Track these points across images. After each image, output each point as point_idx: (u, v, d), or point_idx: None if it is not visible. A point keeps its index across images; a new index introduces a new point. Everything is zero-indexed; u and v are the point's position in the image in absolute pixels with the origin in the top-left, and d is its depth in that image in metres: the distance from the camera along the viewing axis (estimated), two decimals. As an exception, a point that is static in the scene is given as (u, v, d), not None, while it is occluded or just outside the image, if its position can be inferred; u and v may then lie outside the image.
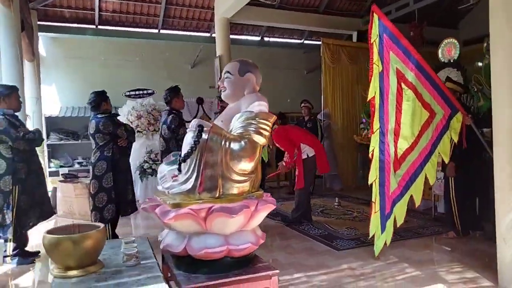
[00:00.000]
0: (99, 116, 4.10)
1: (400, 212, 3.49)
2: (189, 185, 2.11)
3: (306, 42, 10.22)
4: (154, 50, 9.22)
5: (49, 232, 2.14)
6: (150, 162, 6.72)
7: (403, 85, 3.48)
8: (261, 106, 2.29)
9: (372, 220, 3.53)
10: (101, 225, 2.20)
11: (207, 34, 9.35)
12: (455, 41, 6.14)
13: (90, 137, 4.15)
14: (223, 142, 2.12)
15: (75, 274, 2.08)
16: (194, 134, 2.12)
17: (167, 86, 4.73)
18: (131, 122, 6.61)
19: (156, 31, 8.86)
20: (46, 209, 4.04)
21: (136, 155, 6.79)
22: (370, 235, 3.57)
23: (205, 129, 2.11)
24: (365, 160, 7.45)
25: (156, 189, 2.49)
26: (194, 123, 2.16)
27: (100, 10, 8.02)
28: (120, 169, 4.13)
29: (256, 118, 2.20)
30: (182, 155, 2.15)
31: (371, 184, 3.53)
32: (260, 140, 2.20)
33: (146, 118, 6.75)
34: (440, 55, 6.27)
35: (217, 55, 8.44)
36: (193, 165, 2.11)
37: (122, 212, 4.17)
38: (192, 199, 2.11)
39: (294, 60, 10.80)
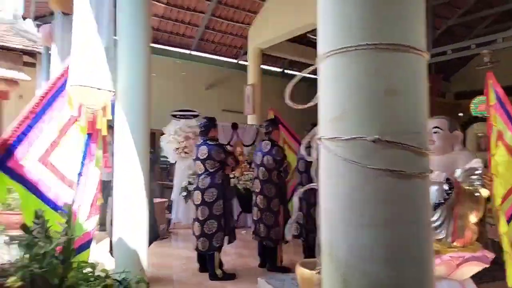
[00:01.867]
0: (210, 143, 4.13)
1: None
2: (442, 234, 2.30)
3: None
4: (170, 68, 9.26)
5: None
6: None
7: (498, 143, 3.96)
8: (479, 163, 2.57)
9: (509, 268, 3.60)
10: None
11: (234, 60, 9.52)
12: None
13: (199, 162, 4.13)
14: (468, 196, 2.36)
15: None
16: (439, 187, 2.33)
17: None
18: (179, 143, 6.54)
19: (187, 51, 8.88)
20: None
21: (180, 176, 6.69)
22: (510, 284, 3.61)
23: (452, 181, 2.34)
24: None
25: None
26: (442, 175, 2.38)
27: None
28: (228, 197, 4.16)
29: (481, 174, 2.48)
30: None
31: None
32: (485, 194, 2.47)
33: (194, 139, 6.70)
34: (473, 110, 7.02)
35: (248, 83, 8.65)
36: (444, 215, 2.31)
37: (228, 240, 4.15)
38: (444, 246, 2.30)
39: (298, 92, 11.33)
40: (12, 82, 6.88)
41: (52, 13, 6.05)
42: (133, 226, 2.83)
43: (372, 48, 0.96)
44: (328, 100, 1.07)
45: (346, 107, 1.00)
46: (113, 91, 2.76)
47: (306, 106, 1.33)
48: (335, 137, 1.01)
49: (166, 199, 6.70)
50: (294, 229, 4.58)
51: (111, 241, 3.70)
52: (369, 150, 0.95)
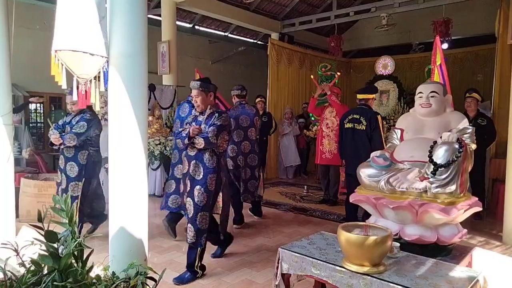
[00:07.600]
0: None
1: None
2: (453, 186, 2.60)
3: (230, 35, 10.50)
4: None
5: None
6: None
7: None
8: (467, 122, 2.94)
9: None
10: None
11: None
12: (391, 58, 7.74)
13: None
14: (469, 151, 2.70)
15: (384, 269, 2.30)
16: (448, 147, 2.60)
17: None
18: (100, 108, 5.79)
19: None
20: None
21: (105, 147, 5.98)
22: None
23: (462, 141, 2.64)
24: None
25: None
26: (453, 136, 2.64)
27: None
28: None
29: (471, 132, 2.85)
30: (442, 162, 2.61)
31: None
32: (474, 148, 2.86)
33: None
34: (378, 69, 7.79)
35: (163, 40, 7.98)
36: (455, 170, 2.61)
37: None
38: (454, 197, 2.62)
39: (202, 49, 10.95)
40: None
41: None
42: (135, 211, 2.50)
43: None
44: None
45: None
46: (107, 57, 2.28)
47: None
48: None
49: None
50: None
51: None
52: None
